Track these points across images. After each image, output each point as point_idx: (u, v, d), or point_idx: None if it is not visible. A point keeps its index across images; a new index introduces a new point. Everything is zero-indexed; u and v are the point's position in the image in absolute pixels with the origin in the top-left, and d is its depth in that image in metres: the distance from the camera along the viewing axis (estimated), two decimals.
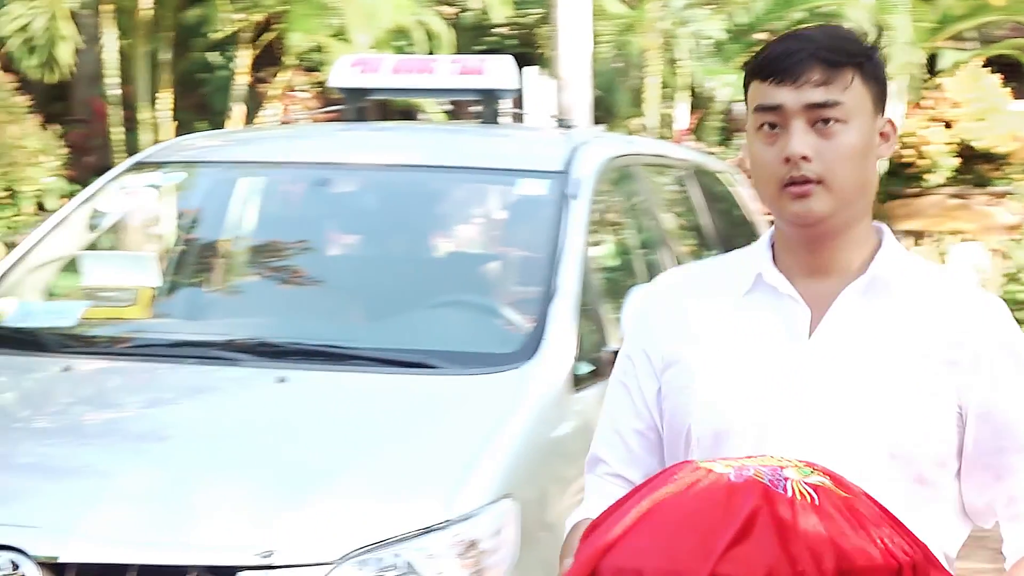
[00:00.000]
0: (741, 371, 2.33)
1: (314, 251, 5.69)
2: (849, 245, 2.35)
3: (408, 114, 17.67)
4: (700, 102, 19.11)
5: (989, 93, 17.10)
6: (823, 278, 2.35)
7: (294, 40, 16.86)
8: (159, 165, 5.82)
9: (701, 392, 2.35)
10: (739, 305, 2.38)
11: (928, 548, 2.00)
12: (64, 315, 5.36)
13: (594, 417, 2.63)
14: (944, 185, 17.08)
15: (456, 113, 17.23)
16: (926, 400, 2.28)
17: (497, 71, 6.11)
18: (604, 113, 18.12)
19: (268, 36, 17.63)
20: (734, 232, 6.54)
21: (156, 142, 12.41)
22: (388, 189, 5.71)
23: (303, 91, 18.53)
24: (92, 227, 5.75)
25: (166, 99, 16.99)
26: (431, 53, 16.60)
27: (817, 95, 2.27)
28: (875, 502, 2.01)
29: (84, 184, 5.81)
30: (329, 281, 5.49)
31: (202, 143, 6.38)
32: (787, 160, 2.27)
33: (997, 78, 17.32)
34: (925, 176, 17.05)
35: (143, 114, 16.67)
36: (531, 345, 4.68)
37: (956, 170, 17.05)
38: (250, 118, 17.75)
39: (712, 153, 12.65)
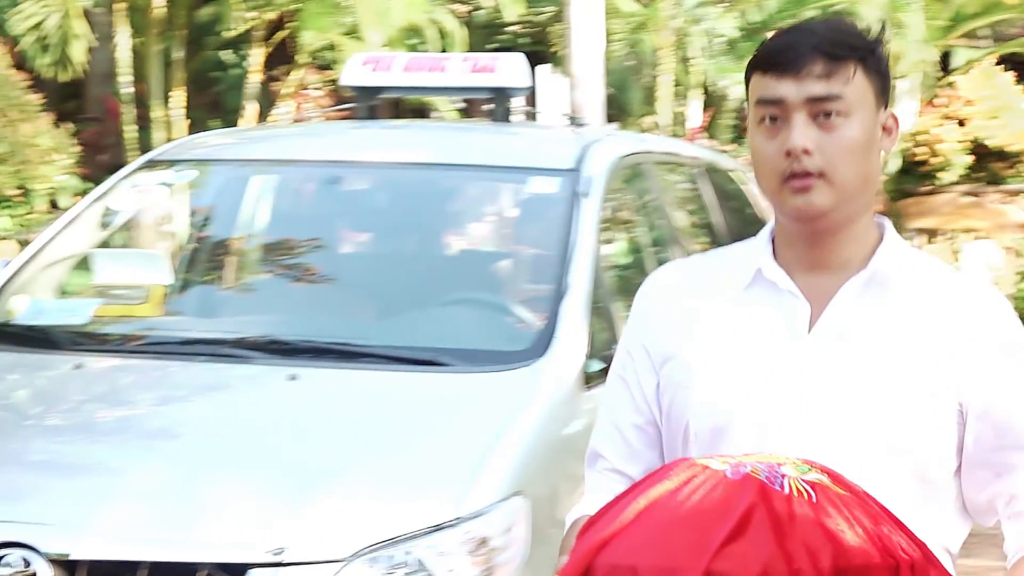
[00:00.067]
0: (739, 367, 2.32)
1: (326, 249, 5.70)
2: (850, 240, 2.33)
3: (421, 112, 17.69)
4: (713, 100, 19.11)
5: (1002, 91, 17.06)
6: (823, 273, 2.33)
7: (307, 38, 16.88)
8: (171, 163, 5.82)
9: (699, 388, 2.34)
10: (738, 300, 2.37)
11: (927, 547, 1.99)
12: (76, 313, 5.37)
13: None
14: (957, 183, 17.04)
15: (469, 111, 17.24)
16: (925, 397, 2.27)
17: (508, 69, 6.10)
18: (617, 111, 18.13)
19: (281, 34, 17.66)
20: (746, 230, 6.49)
21: (169, 140, 12.44)
22: (399, 187, 5.72)
23: (316, 89, 18.55)
24: (104, 225, 5.76)
25: (179, 97, 17.02)
26: (443, 51, 16.61)
27: (819, 88, 2.25)
28: (874, 500, 2.00)
29: (97, 182, 5.82)
30: (340, 279, 5.50)
31: (214, 141, 6.38)
32: (788, 153, 2.26)
33: (1010, 76, 17.28)
34: (938, 174, 17.02)
35: (156, 112, 16.70)
36: (542, 343, 4.68)
37: (969, 168, 17.02)
38: (263, 116, 17.78)
39: (724, 151, 12.64)
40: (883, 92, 2.32)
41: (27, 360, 4.97)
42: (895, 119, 2.36)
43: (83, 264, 5.61)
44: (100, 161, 16.12)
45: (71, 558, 3.86)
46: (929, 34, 17.80)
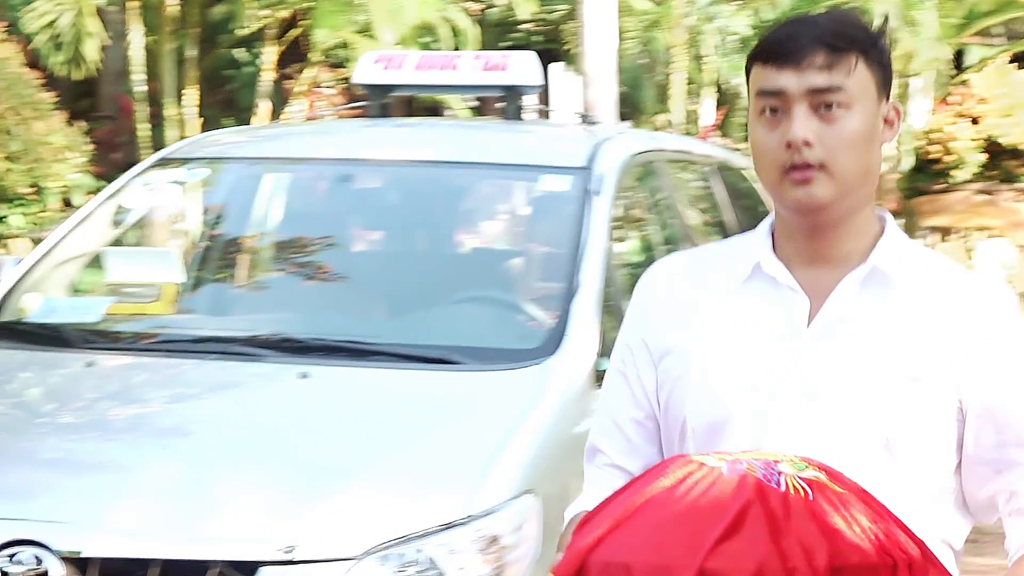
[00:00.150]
0: (737, 362, 2.30)
1: (337, 247, 5.70)
2: (850, 233, 2.31)
3: (434, 110, 17.70)
4: (726, 98, 19.11)
5: (1016, 89, 17.01)
6: (823, 266, 2.31)
7: (320, 36, 16.90)
8: (184, 161, 5.83)
9: (696, 383, 2.32)
10: (737, 294, 2.35)
11: (926, 545, 1.98)
12: (88, 311, 5.38)
13: None
14: (971, 181, 17.01)
15: (482, 110, 17.24)
16: (924, 392, 2.25)
17: (520, 67, 6.10)
18: (630, 109, 18.14)
19: (294, 32, 17.68)
20: None
21: (182, 138, 12.45)
22: (410, 185, 5.72)
23: (329, 87, 18.56)
24: (117, 223, 5.76)
25: (192, 95, 17.04)
26: (456, 49, 16.62)
27: (820, 79, 2.23)
28: (872, 498, 1.98)
29: (110, 180, 5.83)
30: (352, 277, 5.50)
31: (227, 139, 6.38)
32: (789, 145, 2.23)
33: None
34: (952, 172, 16.99)
35: (169, 110, 16.72)
36: (553, 341, 4.68)
37: (983, 166, 16.98)
38: (276, 114, 17.80)
39: (737, 149, 12.63)
40: (885, 84, 2.31)
41: (39, 358, 4.98)
42: (897, 111, 2.34)
43: (95, 262, 5.62)
44: (113, 159, 16.16)
45: (83, 555, 3.86)
46: (942, 32, 17.77)
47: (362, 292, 5.42)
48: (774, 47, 2.27)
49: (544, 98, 13.19)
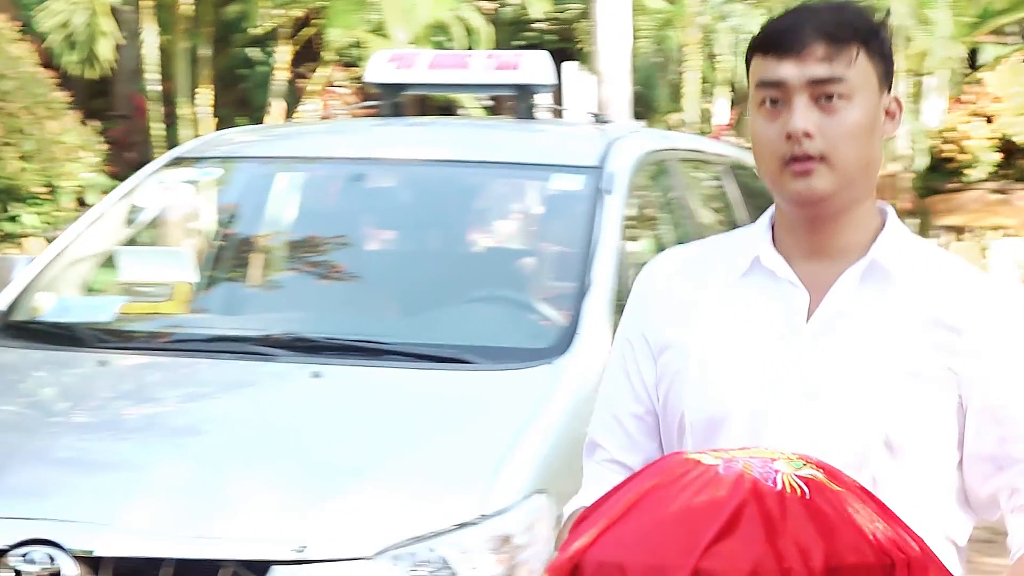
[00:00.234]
0: (735, 357, 2.28)
1: (350, 246, 5.70)
2: (851, 226, 2.28)
3: (448, 110, 17.70)
4: (740, 97, 19.10)
5: None
6: (823, 260, 2.29)
7: (333, 36, 16.91)
8: (197, 160, 5.84)
9: (694, 379, 2.30)
10: (736, 288, 2.32)
11: (926, 543, 1.95)
12: (101, 310, 5.39)
13: None
14: (985, 180, 17.00)
15: (496, 109, 17.25)
16: (924, 388, 2.22)
17: (532, 66, 6.10)
18: (644, 108, 18.13)
19: (307, 32, 17.69)
20: None
21: (196, 138, 12.46)
22: (422, 184, 5.72)
23: (342, 87, 18.57)
24: (130, 222, 5.77)
25: (206, 95, 17.06)
26: (470, 48, 16.62)
27: (821, 70, 2.21)
28: (871, 496, 1.96)
29: (125, 180, 5.85)
30: (364, 276, 5.50)
31: (240, 138, 6.39)
32: (789, 137, 2.21)
33: None
34: (966, 171, 16.98)
35: (183, 110, 16.74)
36: (565, 340, 4.68)
37: (997, 165, 16.97)
38: (290, 114, 17.81)
39: (750, 148, 12.62)
40: (886, 75, 2.28)
41: (52, 357, 4.99)
42: (898, 103, 2.32)
43: (109, 261, 5.63)
44: (128, 158, 16.17)
45: (95, 555, 3.87)
46: (956, 30, 17.76)
47: (375, 291, 5.42)
48: (774, 37, 2.24)
49: (558, 97, 13.18)
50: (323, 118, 16.70)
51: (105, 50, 15.69)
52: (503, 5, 19.93)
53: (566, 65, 14.73)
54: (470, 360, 4.65)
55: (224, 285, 5.83)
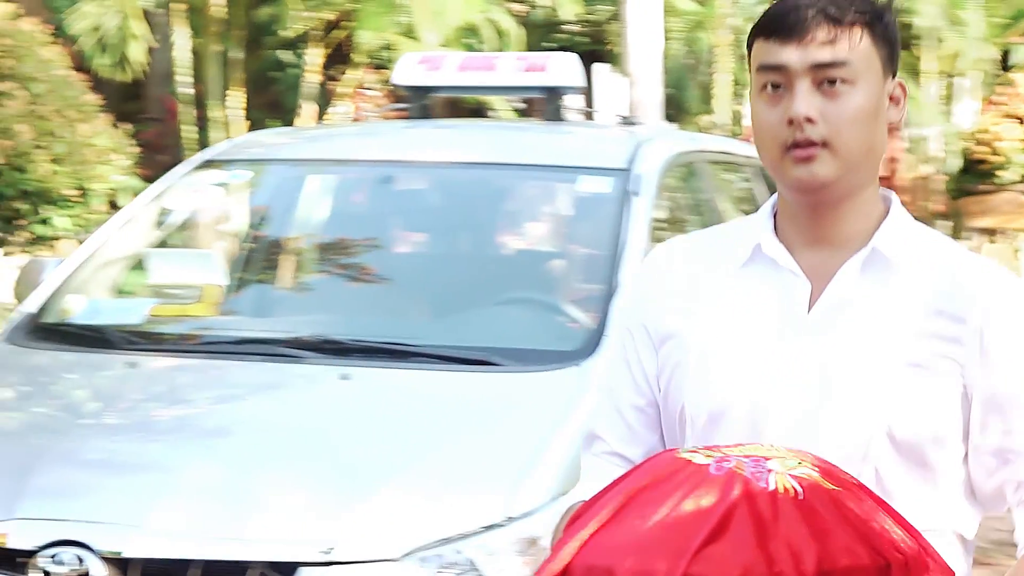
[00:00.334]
0: (736, 349, 2.24)
1: (380, 248, 5.71)
2: (853, 213, 2.24)
3: (478, 112, 17.71)
4: None
5: None
6: (825, 249, 2.25)
7: (364, 38, 16.93)
8: (227, 163, 5.85)
9: (695, 371, 2.26)
10: (737, 277, 2.28)
11: (925, 540, 1.91)
12: (132, 312, 5.41)
13: None
14: (1018, 182, 16.94)
15: (528, 111, 17.25)
16: (927, 379, 2.18)
17: (560, 68, 6.10)
18: (674, 110, 18.11)
19: (338, 34, 17.72)
20: None
21: (227, 140, 12.49)
22: (451, 187, 5.73)
23: (373, 89, 18.59)
24: (160, 224, 5.79)
25: (238, 97, 17.11)
26: (500, 51, 16.63)
27: (823, 54, 2.16)
28: (868, 493, 1.91)
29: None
30: (394, 278, 5.51)
31: (270, 140, 6.41)
32: (790, 122, 2.17)
33: None
34: (998, 173, 16.93)
35: (215, 112, 16.79)
36: (592, 342, 4.67)
37: None
38: (321, 116, 17.85)
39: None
40: (891, 60, 2.23)
41: (83, 359, 5.01)
42: (903, 88, 2.28)
43: (139, 264, 5.64)
44: (160, 161, 16.21)
45: (124, 556, 3.89)
46: (988, 32, 17.70)
47: (403, 294, 5.43)
48: (776, 21, 2.19)
49: (588, 99, 13.18)
50: (354, 120, 16.73)
51: (137, 53, 15.75)
52: (534, 7, 19.93)
53: (597, 67, 14.72)
54: (498, 362, 4.66)
55: (254, 287, 5.85)
